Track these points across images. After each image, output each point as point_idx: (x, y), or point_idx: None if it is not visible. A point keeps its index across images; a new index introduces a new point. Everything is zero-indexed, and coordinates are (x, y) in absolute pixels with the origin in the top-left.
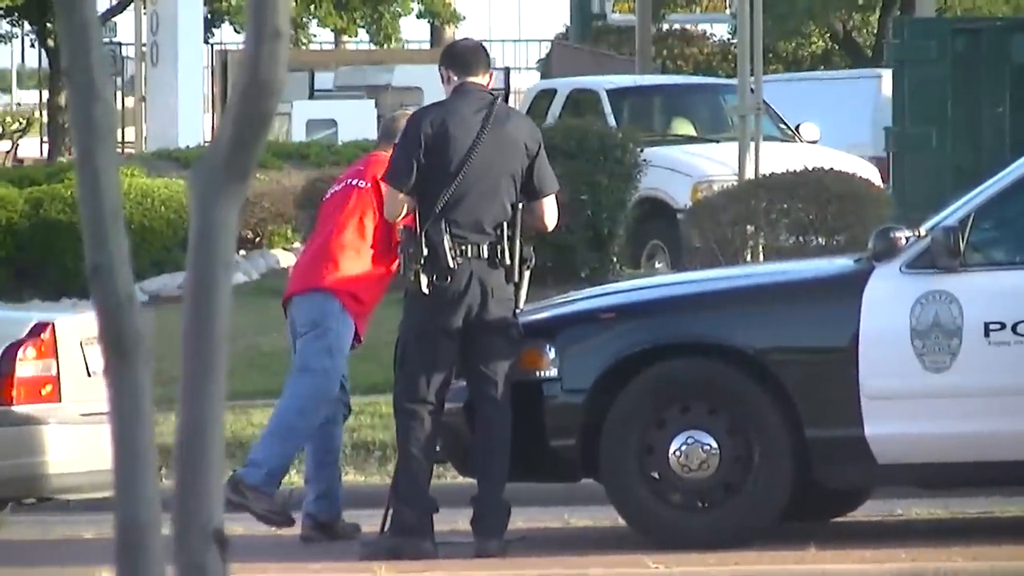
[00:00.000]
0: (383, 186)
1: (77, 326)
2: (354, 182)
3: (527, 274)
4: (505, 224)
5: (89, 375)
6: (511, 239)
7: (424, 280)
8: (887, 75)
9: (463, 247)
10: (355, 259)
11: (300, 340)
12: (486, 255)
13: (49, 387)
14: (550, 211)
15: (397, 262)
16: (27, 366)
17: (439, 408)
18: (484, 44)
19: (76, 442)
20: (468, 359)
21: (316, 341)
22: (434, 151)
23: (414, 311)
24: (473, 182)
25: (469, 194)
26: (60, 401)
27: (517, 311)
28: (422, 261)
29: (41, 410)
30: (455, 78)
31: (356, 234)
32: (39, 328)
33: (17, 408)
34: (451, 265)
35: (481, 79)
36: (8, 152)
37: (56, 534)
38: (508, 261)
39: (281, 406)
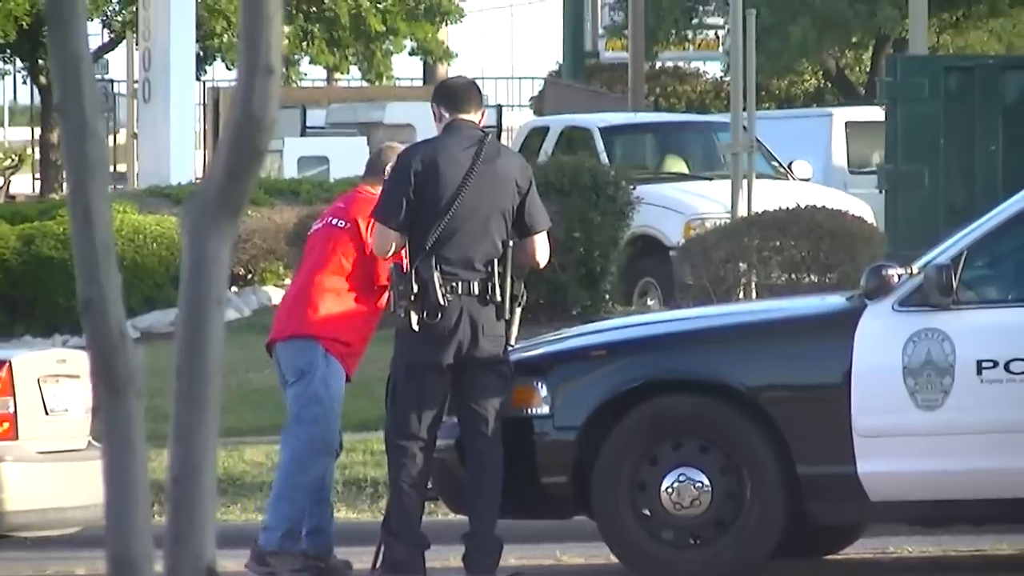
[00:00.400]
0: (374, 223)
1: (35, 364)
2: (334, 222)
3: (518, 311)
4: (496, 261)
5: (46, 413)
6: (502, 276)
7: (414, 317)
8: (838, 114)
9: (453, 284)
10: (336, 301)
11: (289, 389)
12: (477, 292)
13: (6, 425)
14: (542, 247)
15: (384, 298)
16: None
17: (431, 444)
18: (477, 81)
19: (33, 480)
20: (459, 396)
21: (304, 391)
22: (424, 188)
23: (404, 348)
24: (463, 219)
25: (459, 231)
26: (17, 439)
27: (508, 348)
28: (412, 298)
29: None
30: (447, 115)
31: (336, 276)
32: None
33: None
34: (441, 302)
35: (473, 116)
36: (0, 188)
37: (50, 570)
38: (499, 298)
39: (281, 466)
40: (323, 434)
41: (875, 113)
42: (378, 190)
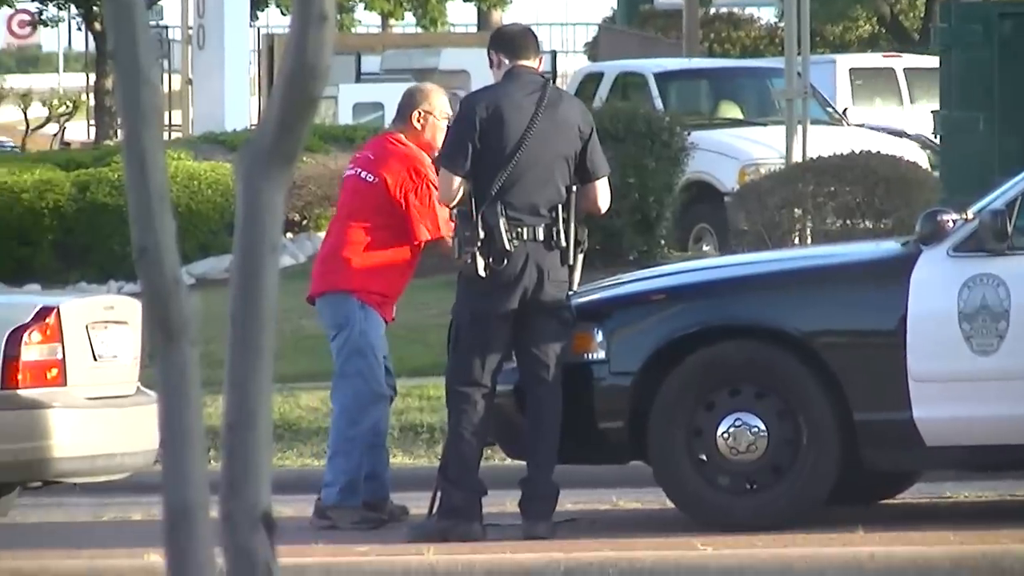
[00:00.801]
0: (437, 170)
1: (83, 310)
2: (363, 175)
3: (580, 257)
4: (560, 207)
5: (95, 359)
6: (566, 221)
7: (480, 263)
8: (841, 60)
9: (519, 230)
10: (367, 254)
11: (332, 343)
12: (542, 237)
13: (54, 371)
14: (603, 194)
15: (415, 248)
16: (32, 350)
17: (492, 391)
18: (532, 28)
19: (81, 426)
20: (521, 341)
21: (344, 344)
22: (489, 134)
23: (469, 294)
24: (528, 165)
25: (524, 177)
26: (65, 385)
27: (570, 293)
28: (478, 244)
29: (46, 394)
30: (506, 62)
31: (366, 229)
32: (44, 312)
33: (22, 392)
34: (507, 248)
35: (532, 62)
36: (55, 135)
37: (107, 516)
38: (563, 243)
39: (333, 423)
40: (369, 385)
41: (876, 60)
42: (405, 138)
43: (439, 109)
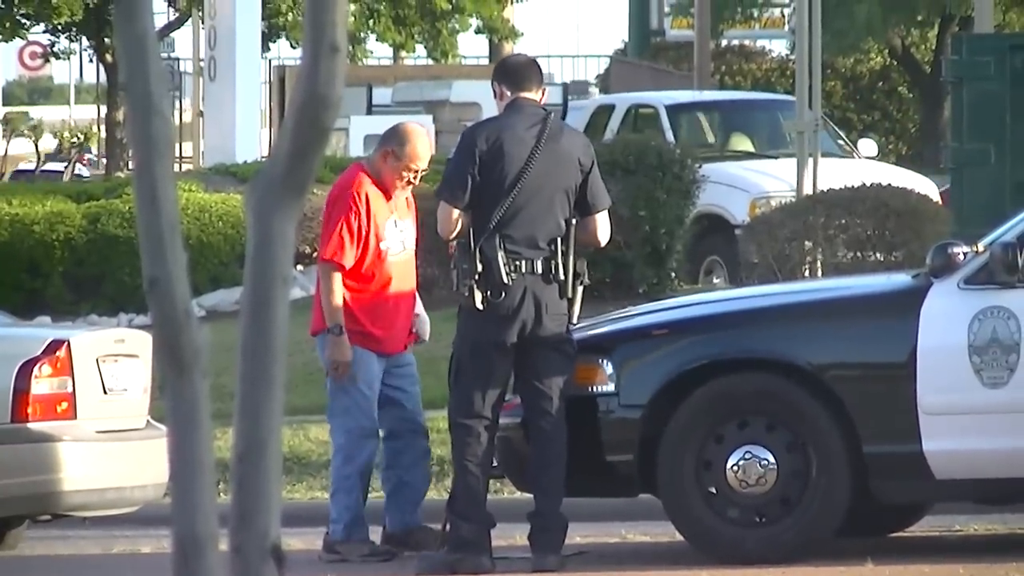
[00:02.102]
0: (437, 203)
1: (93, 343)
2: (327, 213)
3: (580, 289)
4: (559, 239)
5: (105, 392)
6: (565, 254)
7: (478, 296)
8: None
9: (517, 263)
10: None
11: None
12: (540, 270)
13: (65, 404)
14: (603, 227)
15: (360, 269)
16: (43, 383)
17: (494, 423)
18: (537, 59)
19: (91, 459)
20: (522, 375)
21: (332, 383)
22: (489, 167)
23: (469, 327)
24: (528, 198)
25: (524, 210)
26: (76, 418)
27: (571, 326)
28: (476, 277)
29: (57, 427)
30: (508, 93)
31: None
32: (55, 345)
33: (33, 425)
34: (505, 281)
35: (534, 94)
36: (66, 166)
37: (116, 548)
38: (562, 276)
39: (332, 460)
40: (358, 421)
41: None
42: (368, 167)
43: (407, 155)
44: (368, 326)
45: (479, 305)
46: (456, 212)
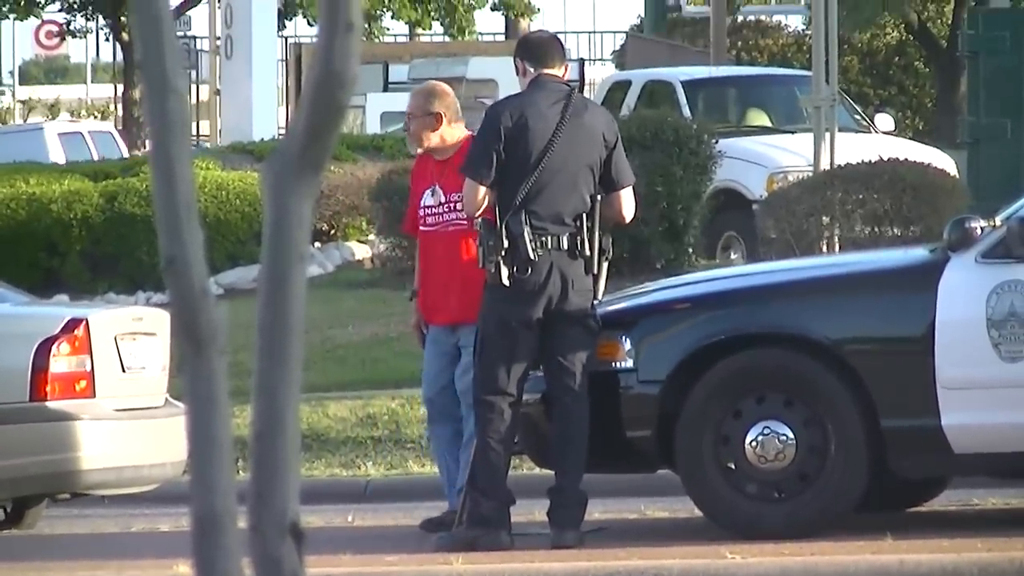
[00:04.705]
0: (463, 180)
1: (112, 322)
2: None
3: (605, 265)
4: (584, 215)
5: (123, 371)
6: (590, 230)
7: (504, 272)
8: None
9: (543, 239)
10: None
11: None
12: (566, 246)
13: (83, 383)
14: (628, 203)
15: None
16: (61, 362)
17: (518, 400)
18: (559, 36)
19: (110, 438)
20: (547, 350)
21: None
22: (514, 143)
23: (495, 303)
24: (552, 174)
25: (549, 186)
26: (94, 397)
27: (595, 302)
28: (502, 253)
29: (75, 406)
30: (531, 70)
31: None
32: (73, 324)
33: (51, 404)
34: (531, 257)
35: (557, 70)
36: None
37: (135, 527)
38: (588, 252)
39: None
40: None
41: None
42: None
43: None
44: (420, 293)
45: (505, 281)
46: (482, 189)
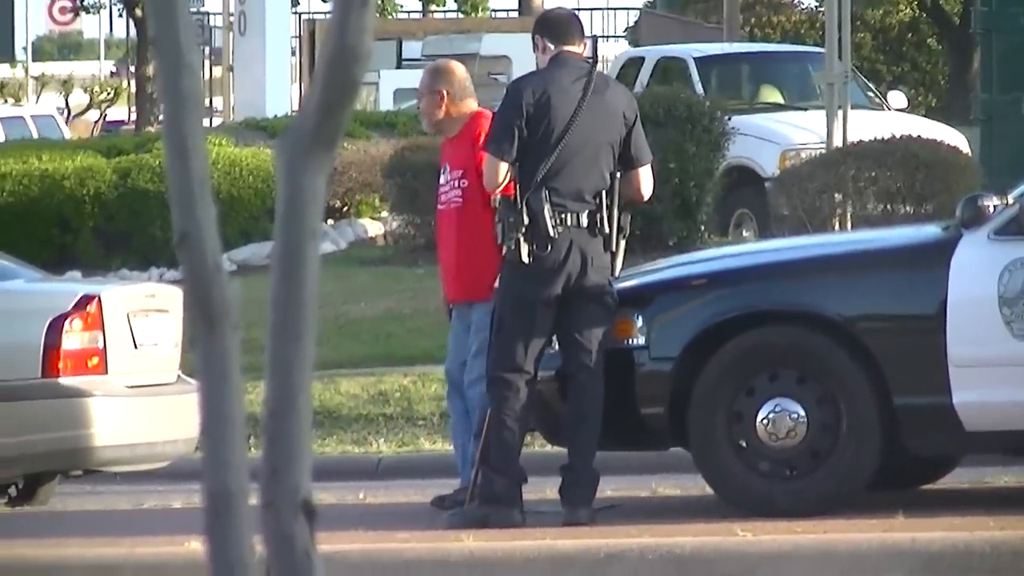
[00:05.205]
0: (485, 156)
1: (124, 298)
2: None
3: (623, 243)
4: (604, 193)
5: (136, 347)
6: (609, 208)
7: (524, 249)
8: None
9: (563, 216)
10: None
11: None
12: (585, 224)
13: (95, 359)
14: (646, 181)
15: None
16: (73, 338)
17: (534, 378)
18: (576, 13)
19: (122, 414)
20: (564, 328)
21: None
22: (535, 120)
23: (513, 280)
24: (574, 151)
25: (569, 163)
26: (107, 373)
27: (612, 279)
28: (523, 230)
29: (87, 382)
30: (551, 47)
31: None
32: (85, 300)
33: (64, 380)
34: (552, 234)
35: (577, 48)
36: (96, 121)
37: (148, 504)
38: (607, 230)
39: None
40: None
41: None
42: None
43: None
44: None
45: (525, 258)
46: (504, 165)
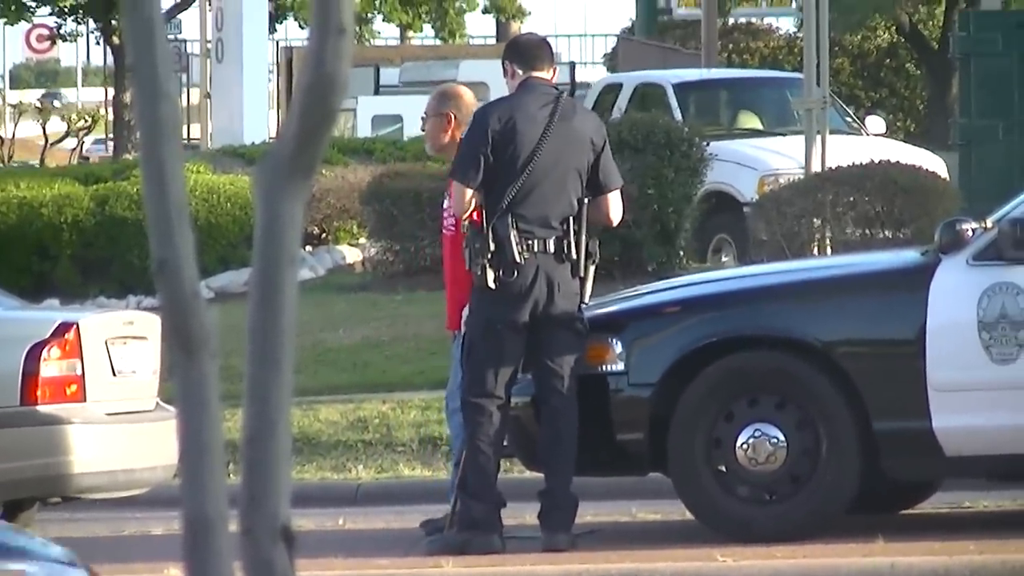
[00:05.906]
0: (450, 183)
1: (102, 326)
2: None
3: (592, 268)
4: (571, 219)
5: (114, 375)
6: (577, 233)
7: (491, 275)
8: None
9: (530, 242)
10: None
11: None
12: (552, 250)
13: (74, 387)
14: (615, 206)
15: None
16: (52, 366)
17: (507, 403)
18: (548, 38)
19: (101, 441)
20: (534, 353)
21: None
22: (502, 146)
23: (481, 306)
24: (540, 177)
25: (536, 189)
26: (85, 401)
27: (582, 305)
28: (489, 256)
29: (66, 410)
30: (519, 72)
31: None
32: (64, 328)
33: (42, 408)
34: (518, 260)
35: (546, 73)
36: (74, 150)
37: (127, 531)
38: (574, 256)
39: None
40: None
41: None
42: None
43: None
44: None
45: (491, 284)
46: (469, 192)
